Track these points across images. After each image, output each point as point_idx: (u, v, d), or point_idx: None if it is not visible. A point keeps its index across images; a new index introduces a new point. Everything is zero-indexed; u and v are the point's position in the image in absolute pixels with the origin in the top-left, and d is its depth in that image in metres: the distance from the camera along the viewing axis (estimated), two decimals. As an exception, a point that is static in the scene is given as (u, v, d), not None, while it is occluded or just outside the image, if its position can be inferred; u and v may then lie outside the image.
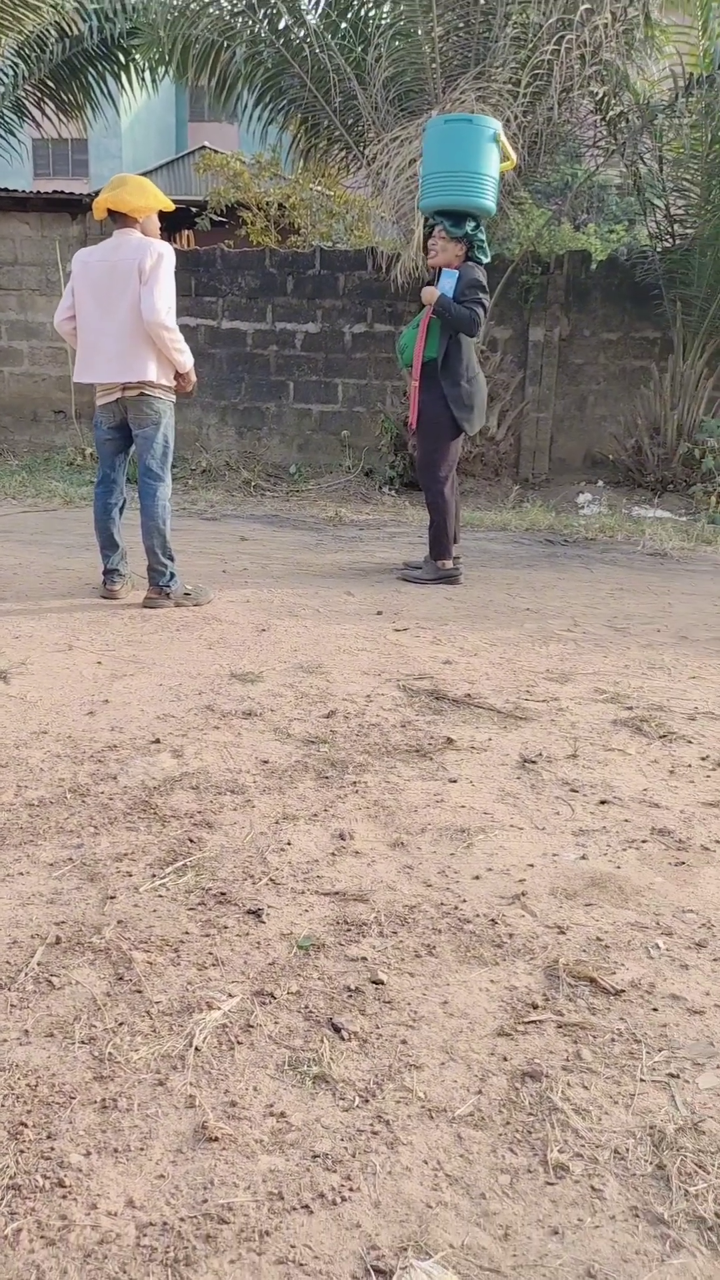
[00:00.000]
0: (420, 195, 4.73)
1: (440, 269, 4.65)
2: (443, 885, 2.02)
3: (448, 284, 4.57)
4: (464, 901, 1.96)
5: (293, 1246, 1.14)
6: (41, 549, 5.36)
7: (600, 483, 8.32)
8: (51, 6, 8.51)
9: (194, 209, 10.94)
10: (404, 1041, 1.52)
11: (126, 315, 3.93)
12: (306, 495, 7.96)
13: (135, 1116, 1.34)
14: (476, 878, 2.06)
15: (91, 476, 7.88)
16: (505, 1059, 1.49)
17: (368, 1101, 1.39)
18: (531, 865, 2.12)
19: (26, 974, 1.66)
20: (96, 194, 9.31)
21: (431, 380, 4.70)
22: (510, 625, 4.15)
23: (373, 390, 8.99)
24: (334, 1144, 1.30)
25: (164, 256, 3.93)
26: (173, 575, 4.23)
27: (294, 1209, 1.20)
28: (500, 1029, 1.56)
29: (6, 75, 9.05)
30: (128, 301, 3.91)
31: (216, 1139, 1.30)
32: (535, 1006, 1.62)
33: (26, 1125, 1.31)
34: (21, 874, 2.01)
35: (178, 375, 4.14)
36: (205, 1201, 1.20)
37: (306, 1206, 1.20)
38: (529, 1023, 1.58)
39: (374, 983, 1.67)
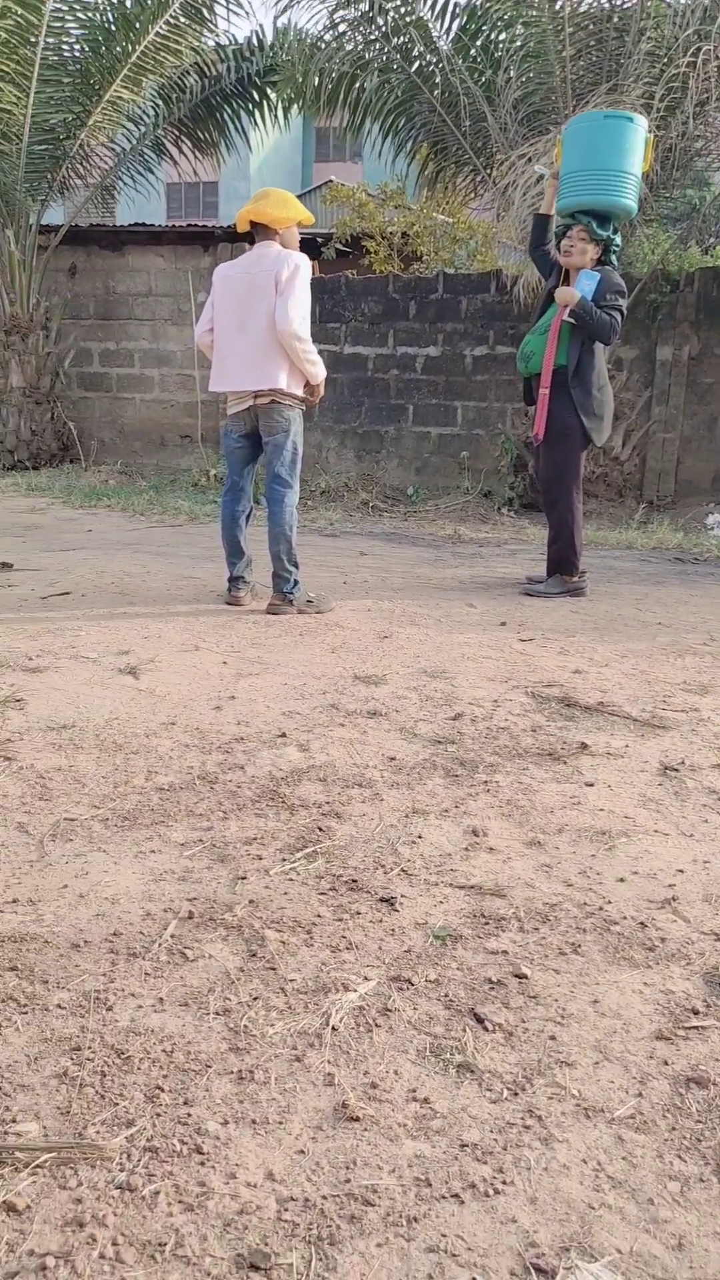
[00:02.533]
0: (560, 195, 4.58)
1: (570, 271, 4.53)
2: (585, 886, 1.91)
3: (588, 285, 4.41)
4: (609, 903, 1.84)
5: (443, 1235, 1.06)
6: (168, 560, 5.47)
7: (730, 505, 8.00)
8: (192, 49, 8.86)
9: (319, 239, 11.17)
10: (553, 1038, 1.42)
11: (263, 325, 3.99)
12: (424, 515, 7.93)
13: (273, 1090, 1.28)
14: (621, 880, 1.94)
15: (215, 497, 8.07)
16: (666, 1063, 1.37)
17: (517, 1095, 1.29)
18: (681, 871, 1.98)
19: (160, 945, 1.63)
20: (229, 227, 9.63)
21: (561, 388, 4.57)
22: (641, 638, 3.98)
23: (493, 413, 8.92)
24: (483, 1135, 1.21)
25: (300, 268, 3.98)
26: (296, 582, 4.24)
27: (443, 1197, 1.11)
28: (658, 1032, 1.44)
29: (148, 116, 9.46)
30: (265, 312, 3.97)
31: (358, 1119, 1.23)
32: (696, 1012, 1.49)
33: (163, 1089, 1.27)
34: (154, 852, 2.00)
35: (307, 386, 4.17)
36: (348, 1181, 1.13)
37: (457, 1196, 1.11)
38: (690, 1028, 1.45)
39: (517, 976, 1.57)
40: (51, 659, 3.41)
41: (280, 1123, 1.22)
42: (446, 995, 1.51)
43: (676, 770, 2.54)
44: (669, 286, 8.07)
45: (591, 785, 2.43)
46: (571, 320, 4.44)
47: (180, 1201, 1.09)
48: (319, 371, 4.12)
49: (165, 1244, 1.03)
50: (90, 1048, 1.35)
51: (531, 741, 2.73)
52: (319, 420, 9.18)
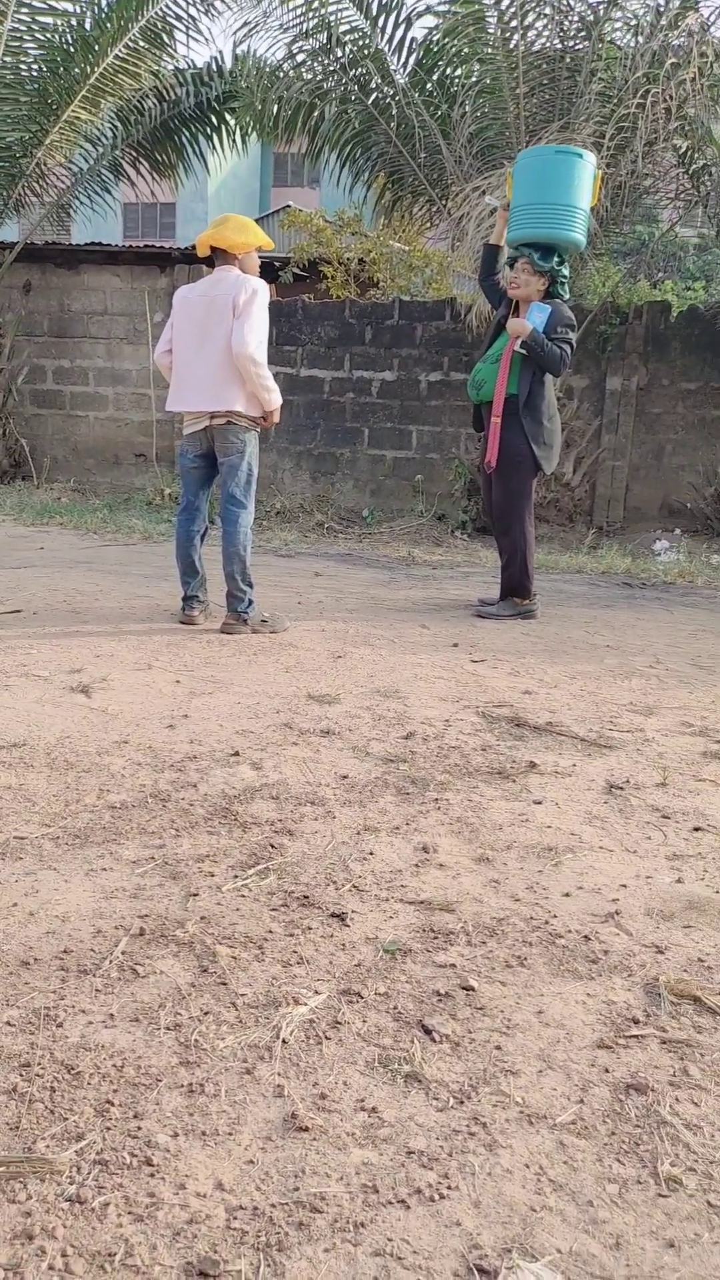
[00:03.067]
0: (510, 227, 4.70)
1: (519, 302, 4.65)
2: (532, 900, 1.95)
3: (539, 318, 4.53)
4: (555, 917, 1.89)
5: (389, 1240, 1.08)
6: (121, 578, 5.46)
7: (677, 530, 8.21)
8: (151, 73, 8.93)
9: (277, 263, 11.28)
10: (498, 1047, 1.46)
11: (220, 348, 4.03)
12: (379, 537, 8.00)
13: (223, 1102, 1.30)
14: (567, 895, 1.98)
15: (169, 516, 8.06)
16: (607, 1070, 1.41)
17: (463, 1103, 1.32)
18: (624, 886, 2.04)
19: (111, 961, 1.63)
20: (186, 248, 9.67)
21: (512, 417, 4.67)
22: (590, 660, 4.07)
23: (447, 437, 9.05)
24: (429, 1142, 1.24)
25: (259, 292, 4.03)
26: (251, 602, 4.26)
27: (390, 1203, 1.13)
28: (600, 1041, 1.48)
29: (106, 137, 9.49)
30: (222, 334, 4.02)
31: (307, 1129, 1.25)
32: (636, 1021, 1.54)
33: (113, 1104, 1.28)
34: (105, 869, 2.00)
35: (264, 413, 4.21)
36: (297, 1189, 1.15)
37: (403, 1201, 1.14)
38: (630, 1037, 1.50)
39: (464, 989, 1.60)
40: (2, 677, 3.38)
41: (230, 1134, 1.24)
42: (395, 1007, 1.54)
43: (621, 789, 2.60)
44: (618, 319, 8.29)
45: (539, 803, 2.48)
46: (523, 351, 4.54)
47: (130, 1212, 1.10)
48: (274, 398, 4.17)
49: (115, 1254, 1.04)
50: (40, 1064, 1.36)
51: (482, 760, 2.78)
52: (275, 441, 9.24)
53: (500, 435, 4.69)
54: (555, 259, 4.57)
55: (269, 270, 11.30)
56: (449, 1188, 1.16)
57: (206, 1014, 1.50)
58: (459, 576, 6.21)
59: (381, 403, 9.23)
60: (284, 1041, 1.43)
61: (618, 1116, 1.31)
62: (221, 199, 24.44)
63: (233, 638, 4.18)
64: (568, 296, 4.72)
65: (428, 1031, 1.48)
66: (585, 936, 1.81)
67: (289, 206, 14.04)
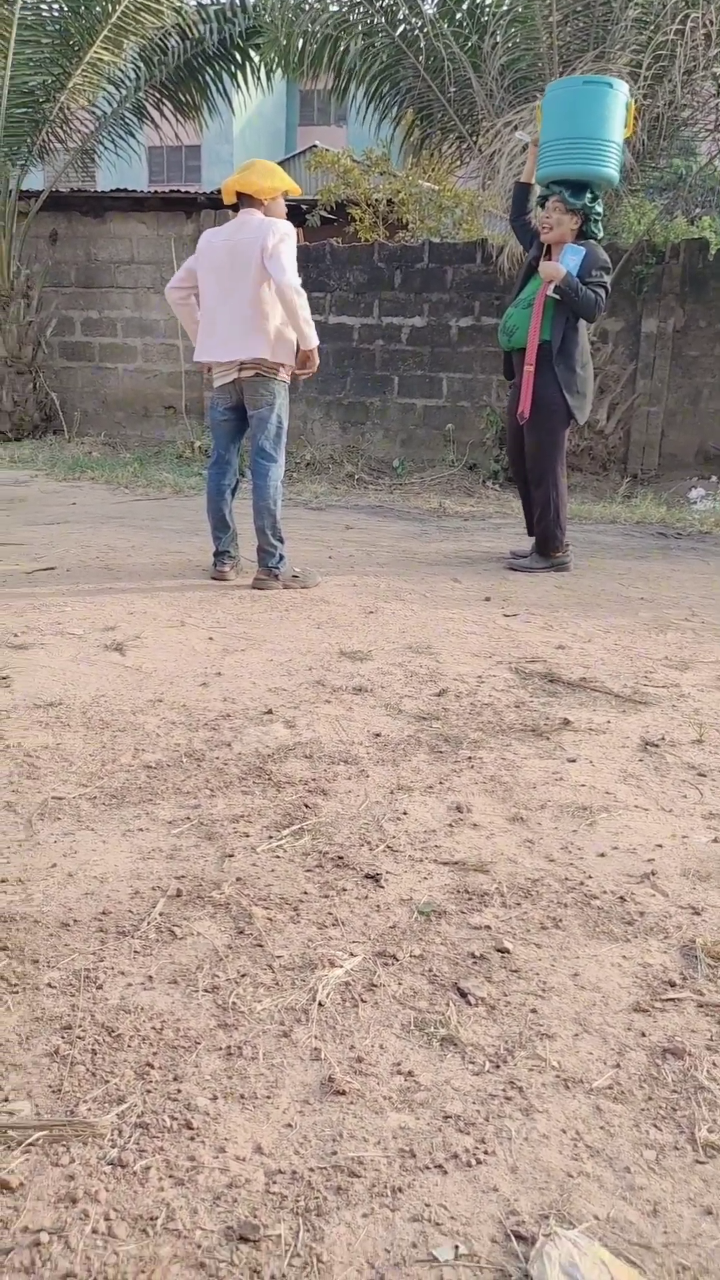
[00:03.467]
0: (539, 164, 4.52)
1: (553, 245, 4.49)
2: (566, 861, 1.94)
3: (572, 261, 4.38)
4: (589, 878, 1.88)
5: (427, 1205, 1.09)
6: (153, 533, 5.45)
7: (714, 478, 8.03)
8: (174, 9, 8.67)
9: (304, 206, 11.03)
10: (534, 1010, 1.46)
11: (247, 295, 3.95)
12: (410, 488, 7.92)
13: (261, 1065, 1.31)
14: (602, 855, 1.97)
15: (200, 469, 8.02)
16: (644, 1034, 1.41)
17: (499, 1067, 1.33)
18: (660, 846, 2.02)
19: (149, 923, 1.65)
20: (212, 193, 9.48)
21: (545, 365, 4.55)
22: (624, 614, 4.01)
23: (478, 385, 8.88)
24: (466, 1106, 1.25)
25: (287, 235, 3.93)
26: (282, 557, 4.24)
27: (427, 1168, 1.15)
28: (636, 1004, 1.48)
29: (129, 78, 9.28)
30: (249, 280, 3.93)
31: (344, 1093, 1.26)
32: (673, 984, 1.53)
33: (153, 1066, 1.30)
34: (141, 830, 2.02)
35: (300, 354, 4.11)
36: (335, 1154, 1.16)
37: (440, 1166, 1.15)
38: (667, 1000, 1.49)
39: (499, 951, 1.61)
40: (37, 635, 3.40)
41: (268, 1097, 1.25)
42: (431, 970, 1.55)
43: (657, 746, 2.57)
44: (654, 258, 8.03)
45: (574, 761, 2.46)
46: (556, 296, 4.41)
47: (171, 1176, 1.12)
48: (312, 333, 4.06)
49: (156, 1218, 1.06)
50: (81, 1026, 1.38)
51: (515, 718, 2.76)
52: (304, 392, 9.12)
53: (534, 383, 4.57)
54: (588, 196, 4.40)
55: (295, 214, 11.05)
56: (486, 1153, 1.17)
57: (243, 976, 1.51)
58: (490, 528, 6.14)
59: (411, 350, 9.06)
60: (320, 1004, 1.44)
61: (654, 1081, 1.31)
62: (247, 140, 23.89)
63: (264, 593, 4.16)
64: (602, 235, 4.56)
65: (463, 994, 1.48)
66: (621, 898, 1.80)
67: (315, 146, 13.68)
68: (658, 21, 6.30)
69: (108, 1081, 1.26)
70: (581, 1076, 1.32)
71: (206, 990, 1.47)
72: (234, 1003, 1.44)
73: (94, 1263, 1.00)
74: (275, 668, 3.16)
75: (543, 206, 4.54)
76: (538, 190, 4.70)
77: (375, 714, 2.76)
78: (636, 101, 6.15)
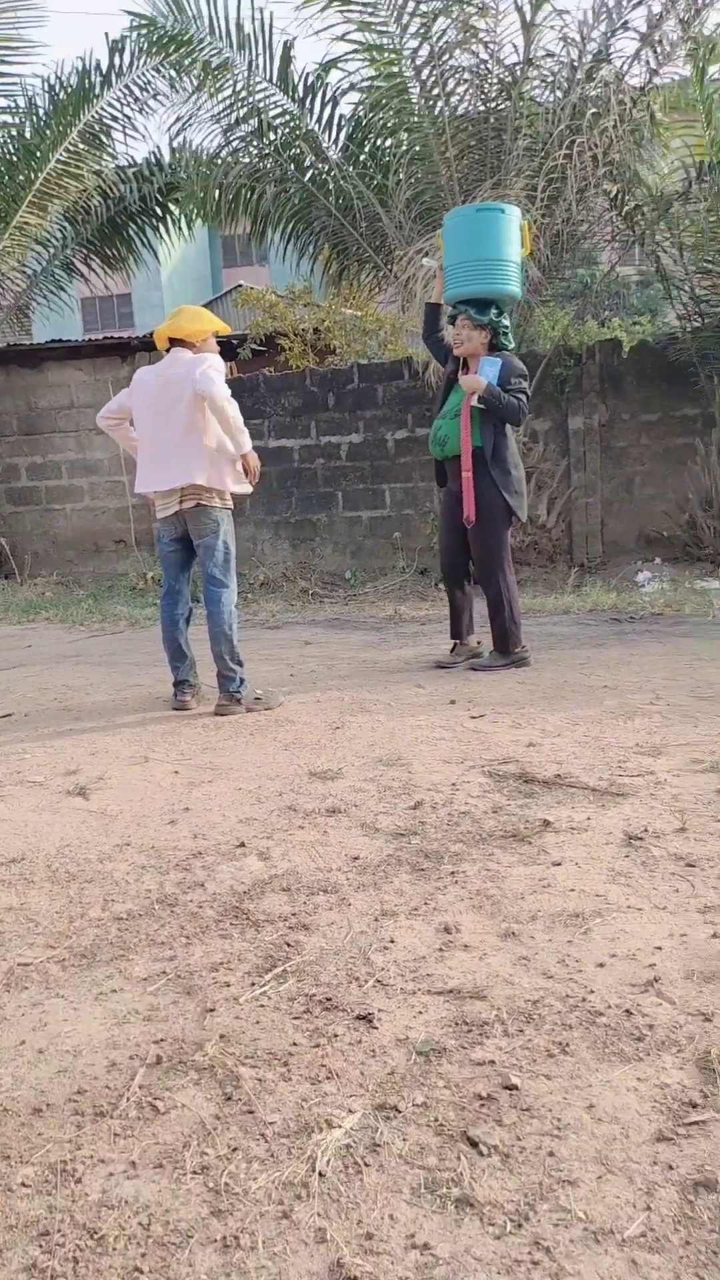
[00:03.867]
0: (445, 286, 4.78)
1: (468, 359, 4.70)
2: (565, 976, 1.85)
3: (490, 372, 4.58)
4: (591, 992, 1.79)
5: None
6: (111, 669, 5.39)
7: (657, 560, 8.21)
8: (94, 173, 9.15)
9: (234, 341, 11.45)
10: (551, 1154, 1.35)
11: (181, 423, 4.04)
12: (364, 598, 7.98)
13: (261, 1256, 1.19)
14: (601, 965, 1.89)
15: (154, 600, 8.03)
16: (671, 1167, 1.31)
17: (521, 1226, 1.22)
18: (659, 948, 1.94)
19: (128, 1099, 1.53)
20: (144, 337, 9.80)
21: (481, 469, 4.68)
22: (590, 704, 4.00)
23: (419, 492, 9.09)
24: (490, 1278, 1.13)
25: (214, 362, 4.06)
26: (242, 680, 4.20)
27: None
28: (659, 1133, 1.38)
29: (56, 238, 9.69)
30: (181, 410, 4.04)
31: (355, 1278, 1.14)
32: (694, 1105, 1.44)
33: (142, 1271, 1.17)
34: (115, 991, 1.89)
35: (241, 460, 4.14)
36: None
37: None
38: (690, 1124, 1.40)
39: (507, 1088, 1.50)
40: (-5, 789, 3.29)
41: (273, 1294, 1.13)
42: (436, 1120, 1.44)
43: (641, 839, 2.51)
44: (572, 360, 8.41)
45: (559, 865, 2.39)
46: (481, 406, 4.58)
47: None
48: (246, 440, 4.11)
49: None
50: (60, 1230, 1.25)
51: (494, 824, 2.69)
52: (251, 514, 9.26)
53: (474, 488, 4.68)
54: (493, 311, 4.64)
55: (227, 349, 11.45)
56: (518, 1332, 1.06)
57: (235, 1150, 1.39)
58: (446, 629, 6.15)
59: (352, 465, 9.30)
60: (320, 1174, 1.32)
61: (690, 1221, 1.21)
62: (174, 285, 24.97)
63: (228, 719, 4.10)
64: (513, 345, 4.78)
65: (474, 1144, 1.37)
66: (627, 1011, 1.71)
67: (240, 286, 14.32)
68: (547, 149, 6.76)
69: (92, 1298, 1.13)
70: (611, 1226, 1.21)
71: (195, 1172, 1.35)
72: (226, 1184, 1.32)
73: None
74: (244, 796, 3.08)
75: (453, 324, 4.77)
76: (448, 310, 4.94)
77: (351, 835, 2.68)
78: (535, 221, 6.56)
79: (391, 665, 5.11)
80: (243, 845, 2.66)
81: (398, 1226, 1.23)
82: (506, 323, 4.75)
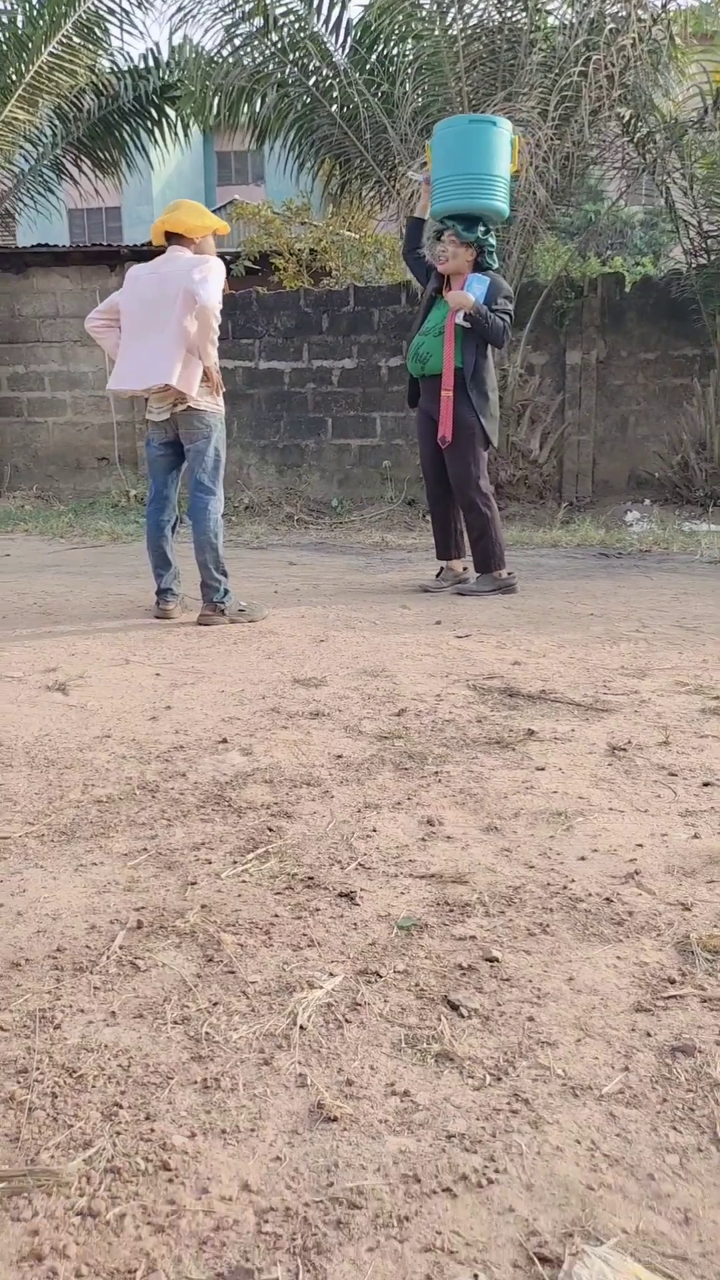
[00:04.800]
0: (431, 200, 4.61)
1: (451, 276, 4.59)
2: (546, 867, 1.86)
3: (478, 290, 4.46)
4: (572, 881, 1.79)
5: (438, 1233, 0.98)
6: (92, 578, 5.32)
7: (647, 500, 8.18)
8: (87, 68, 8.76)
9: (227, 258, 11.13)
10: (531, 1019, 1.36)
11: (172, 325, 3.88)
12: (350, 526, 7.90)
13: (241, 1096, 1.19)
14: (582, 859, 1.90)
15: (137, 518, 7.91)
16: (649, 1034, 1.32)
17: (500, 1080, 1.23)
18: (640, 845, 1.95)
19: (109, 957, 1.52)
20: (133, 246, 9.50)
21: (460, 390, 4.59)
22: (575, 629, 3.99)
23: (411, 422, 8.92)
24: (469, 1124, 1.14)
25: (216, 266, 3.90)
26: (227, 591, 4.14)
27: (434, 1192, 1.03)
28: (637, 1004, 1.39)
29: (45, 136, 9.31)
30: (174, 312, 3.87)
31: (335, 1119, 1.14)
32: (673, 981, 1.45)
33: (121, 1106, 1.17)
34: (95, 864, 1.88)
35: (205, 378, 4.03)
36: (331, 1185, 1.05)
37: (448, 1190, 1.04)
38: (669, 998, 1.41)
39: (488, 960, 1.51)
40: (-28, 681, 3.24)
41: (253, 1130, 1.13)
42: (417, 985, 1.44)
43: (624, 750, 2.52)
44: (574, 293, 8.25)
45: (542, 769, 2.39)
46: (466, 324, 4.48)
47: (149, 1223, 0.99)
48: (214, 353, 3.98)
49: (135, 1270, 0.93)
50: (39, 1069, 1.24)
51: (478, 731, 2.69)
52: (238, 436, 9.10)
53: (452, 408, 4.60)
54: (480, 229, 4.52)
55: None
56: (497, 1171, 1.06)
57: (215, 1004, 1.39)
58: (434, 558, 6.11)
59: (343, 391, 9.13)
60: (301, 1028, 1.33)
61: (667, 1082, 1.22)
62: (166, 199, 24.13)
63: (211, 628, 4.06)
64: (497, 265, 4.67)
65: (454, 1007, 1.38)
66: (607, 899, 1.72)
67: (235, 200, 13.87)
68: (562, 64, 6.53)
69: (71, 1126, 1.13)
70: (590, 1083, 1.22)
71: (176, 1022, 1.35)
72: (207, 1033, 1.32)
73: (66, 1331, 0.87)
74: (227, 698, 3.05)
75: (438, 240, 4.64)
76: (433, 226, 4.81)
77: (334, 736, 2.66)
78: (546, 140, 6.36)
79: (377, 587, 5.07)
80: (225, 741, 2.64)
81: (378, 1075, 1.23)
82: (493, 241, 4.63)
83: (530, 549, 6.35)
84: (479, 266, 4.60)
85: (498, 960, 1.51)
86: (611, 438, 8.58)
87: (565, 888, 1.77)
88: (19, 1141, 1.11)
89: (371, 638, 3.85)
